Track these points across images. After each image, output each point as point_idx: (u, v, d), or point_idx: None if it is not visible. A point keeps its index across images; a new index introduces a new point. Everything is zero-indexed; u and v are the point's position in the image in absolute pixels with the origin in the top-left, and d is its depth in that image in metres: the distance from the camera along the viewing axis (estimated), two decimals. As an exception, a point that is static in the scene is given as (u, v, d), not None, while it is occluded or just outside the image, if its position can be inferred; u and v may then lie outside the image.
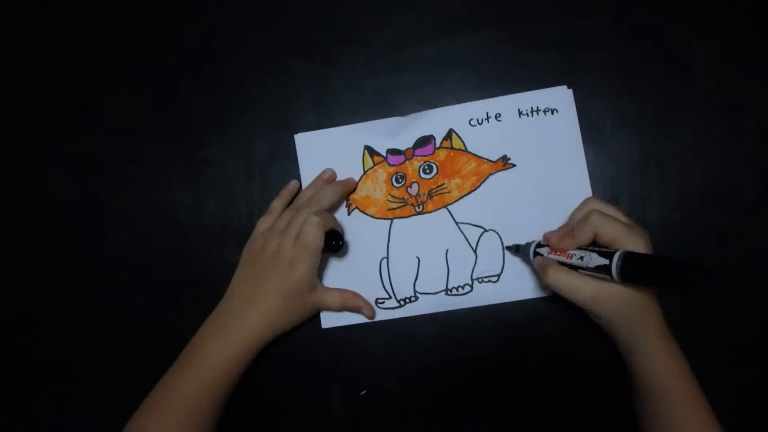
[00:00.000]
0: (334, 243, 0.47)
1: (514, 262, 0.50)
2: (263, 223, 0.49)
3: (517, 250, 0.49)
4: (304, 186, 0.52)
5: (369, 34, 0.53)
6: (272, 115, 0.53)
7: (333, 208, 0.51)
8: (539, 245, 0.46)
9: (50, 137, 0.55)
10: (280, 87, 0.53)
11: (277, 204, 0.51)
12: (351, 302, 0.49)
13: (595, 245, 0.42)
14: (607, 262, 0.39)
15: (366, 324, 0.51)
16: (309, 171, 0.52)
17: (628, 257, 0.39)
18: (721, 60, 0.50)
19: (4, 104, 0.56)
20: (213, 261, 0.52)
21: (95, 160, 0.55)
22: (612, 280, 0.40)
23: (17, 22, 0.57)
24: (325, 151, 0.52)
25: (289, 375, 0.51)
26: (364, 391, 0.50)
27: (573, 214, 0.46)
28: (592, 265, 0.40)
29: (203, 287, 0.51)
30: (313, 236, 0.46)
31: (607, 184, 0.50)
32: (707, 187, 0.49)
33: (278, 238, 0.47)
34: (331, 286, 0.51)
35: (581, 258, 0.41)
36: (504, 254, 0.50)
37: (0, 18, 0.57)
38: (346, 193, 0.51)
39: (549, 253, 0.44)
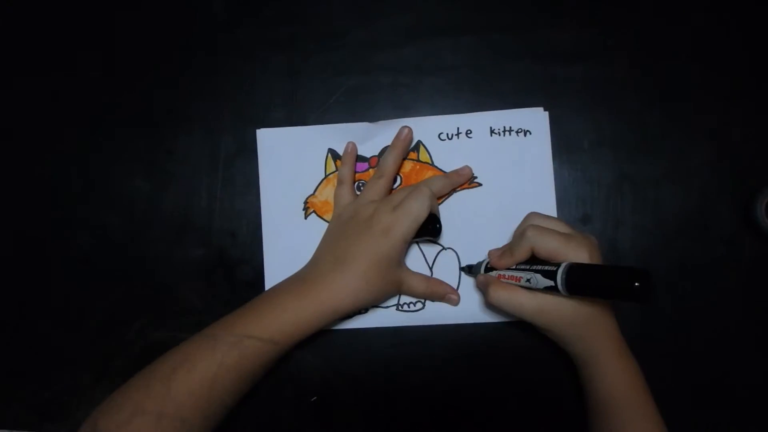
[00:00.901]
0: (431, 227, 0.45)
1: (470, 283, 0.48)
2: (342, 196, 0.47)
3: (470, 270, 0.47)
4: (261, 180, 0.50)
5: (346, 32, 0.51)
6: (240, 110, 0.51)
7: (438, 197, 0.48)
8: (489, 265, 0.45)
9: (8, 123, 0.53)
10: (251, 82, 0.51)
11: (345, 171, 0.48)
12: (437, 288, 0.47)
13: (538, 261, 0.41)
14: (552, 283, 0.38)
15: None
16: (269, 169, 0.50)
17: (572, 269, 0.38)
18: (701, 84, 0.49)
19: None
20: (171, 254, 0.50)
21: (56, 147, 0.52)
22: (563, 296, 0.39)
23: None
24: (287, 150, 0.50)
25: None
26: (314, 398, 0.49)
27: (514, 231, 0.45)
28: (540, 287, 0.39)
29: (159, 280, 0.50)
30: (419, 205, 0.43)
31: (580, 203, 0.48)
32: (682, 212, 0.48)
33: (374, 205, 0.45)
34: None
35: (528, 280, 0.40)
36: (460, 274, 0.49)
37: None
38: (456, 185, 0.48)
39: (498, 275, 0.43)
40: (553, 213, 0.48)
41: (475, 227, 0.49)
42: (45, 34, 0.53)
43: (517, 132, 0.49)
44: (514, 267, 0.43)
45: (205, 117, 0.51)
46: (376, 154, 0.50)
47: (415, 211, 0.43)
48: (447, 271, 0.49)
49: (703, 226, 0.48)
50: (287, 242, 0.50)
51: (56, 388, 0.50)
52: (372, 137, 0.50)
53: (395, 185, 0.49)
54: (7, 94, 0.53)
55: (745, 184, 0.48)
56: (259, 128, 0.50)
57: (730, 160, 0.48)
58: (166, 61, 0.52)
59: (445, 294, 0.47)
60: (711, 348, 0.47)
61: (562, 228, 0.42)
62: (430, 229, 0.45)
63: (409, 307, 0.49)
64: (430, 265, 0.49)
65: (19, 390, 0.50)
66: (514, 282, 0.42)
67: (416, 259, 0.49)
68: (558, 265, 0.39)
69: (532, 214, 0.45)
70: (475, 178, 0.49)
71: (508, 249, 0.43)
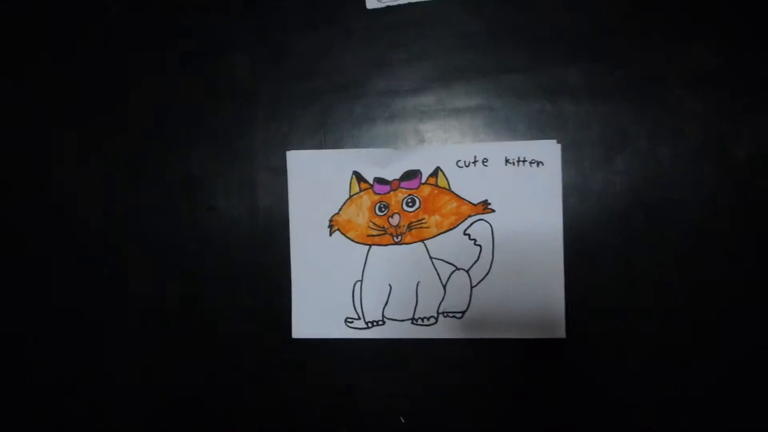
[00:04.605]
0: None
1: (479, 302, 0.52)
2: None
3: None
4: (290, 199, 0.54)
5: (366, 83, 0.54)
6: (270, 164, 0.55)
7: None
8: None
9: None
10: (281, 137, 0.55)
11: None
12: None
13: None
14: None
15: (335, 340, 0.54)
16: (298, 188, 0.54)
17: None
18: (712, 115, 0.51)
19: None
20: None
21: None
22: None
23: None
24: (315, 171, 0.54)
25: (253, 382, 0.55)
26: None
27: None
28: None
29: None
30: None
31: (596, 230, 0.52)
32: (694, 239, 0.51)
33: None
34: (306, 301, 0.54)
35: None
36: (471, 293, 0.53)
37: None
38: None
39: None
40: (560, 242, 0.51)
41: (487, 251, 0.52)
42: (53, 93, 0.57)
43: (530, 162, 0.52)
44: None
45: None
46: (398, 178, 0.54)
47: None
48: (459, 291, 0.53)
49: (715, 252, 0.51)
50: (313, 257, 0.54)
51: None
52: (394, 162, 0.53)
53: (414, 207, 0.53)
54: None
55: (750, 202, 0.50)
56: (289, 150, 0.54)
57: (737, 182, 0.51)
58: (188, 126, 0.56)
59: None
60: (727, 363, 0.51)
61: None
62: None
63: (423, 321, 0.53)
64: (444, 284, 0.53)
65: None
66: None
67: (431, 276, 0.53)
68: None
69: None
70: (489, 204, 0.53)
71: None
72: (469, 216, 0.53)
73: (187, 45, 0.55)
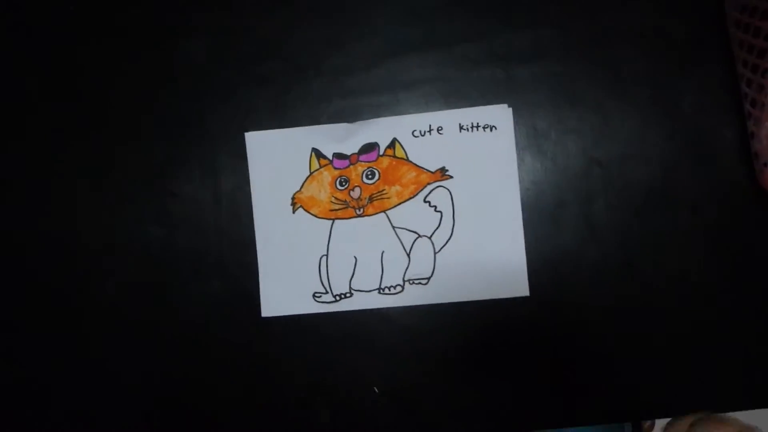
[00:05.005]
0: None
1: (444, 268, 0.53)
2: None
3: None
4: (251, 180, 0.55)
5: (319, 62, 0.55)
6: (228, 145, 0.55)
7: None
8: None
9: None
10: (238, 119, 0.55)
11: None
12: None
13: None
14: None
15: (305, 315, 0.54)
16: (258, 168, 0.55)
17: None
18: (653, 69, 0.53)
19: None
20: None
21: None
22: None
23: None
24: (274, 151, 0.55)
25: (226, 364, 0.55)
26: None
27: None
28: None
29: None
30: None
31: (554, 189, 0.53)
32: (647, 187, 0.52)
33: None
34: (273, 279, 0.54)
35: None
36: (435, 259, 0.54)
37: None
38: None
39: None
40: (518, 200, 0.53)
41: (448, 216, 0.53)
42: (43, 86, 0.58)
43: (484, 128, 0.53)
44: None
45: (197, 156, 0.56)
46: (356, 152, 0.54)
47: None
48: (423, 256, 0.54)
49: (668, 196, 0.52)
50: (278, 235, 0.55)
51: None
52: (352, 136, 0.54)
53: (374, 180, 0.54)
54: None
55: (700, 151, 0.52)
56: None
57: (685, 132, 0.52)
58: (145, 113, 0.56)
59: None
60: (689, 310, 0.52)
61: None
62: None
63: (389, 290, 0.54)
64: (408, 252, 0.54)
65: None
66: None
67: (395, 246, 0.54)
68: None
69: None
70: (447, 171, 0.54)
71: None
72: (428, 184, 0.54)
73: (142, 30, 0.56)
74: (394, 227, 0.54)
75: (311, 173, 0.55)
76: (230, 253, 0.55)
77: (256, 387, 0.55)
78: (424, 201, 0.54)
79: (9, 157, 0.57)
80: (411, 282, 0.54)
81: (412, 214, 0.54)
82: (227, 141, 0.55)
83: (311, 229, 0.55)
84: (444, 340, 0.54)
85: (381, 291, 0.54)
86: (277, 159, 0.55)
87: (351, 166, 0.54)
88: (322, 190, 0.55)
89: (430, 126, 0.54)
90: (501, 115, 0.53)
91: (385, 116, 0.54)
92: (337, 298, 0.54)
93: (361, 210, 0.54)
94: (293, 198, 0.55)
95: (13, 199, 0.57)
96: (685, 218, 0.52)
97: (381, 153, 0.54)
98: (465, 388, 0.54)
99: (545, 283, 0.53)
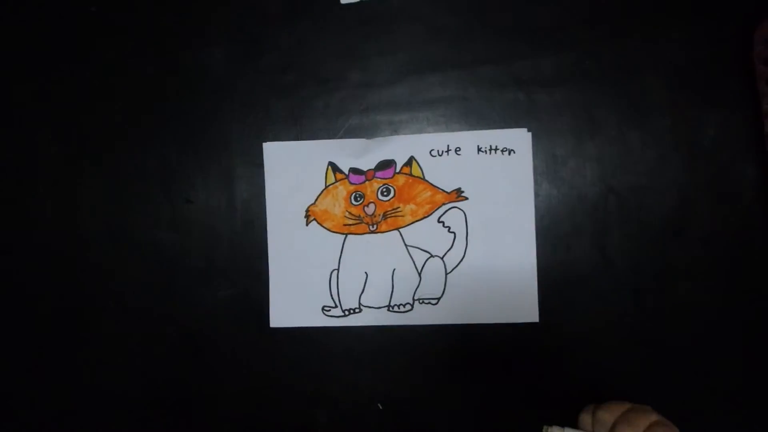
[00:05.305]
0: None
1: (454, 289, 0.53)
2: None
3: None
4: (267, 190, 0.55)
5: (341, 76, 0.55)
6: (247, 155, 0.55)
7: None
8: None
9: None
10: (256, 130, 0.55)
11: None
12: None
13: None
14: None
15: (313, 328, 0.55)
16: (274, 179, 0.55)
17: None
18: (676, 101, 0.52)
19: None
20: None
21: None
22: None
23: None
24: (291, 162, 0.55)
25: (232, 373, 0.55)
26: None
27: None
28: None
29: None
30: None
31: (569, 216, 0.53)
32: (662, 219, 0.52)
33: None
34: (283, 290, 0.54)
35: None
36: (446, 280, 0.53)
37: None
38: None
39: None
40: (532, 225, 0.52)
41: (461, 238, 0.53)
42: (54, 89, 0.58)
43: (502, 150, 0.53)
44: None
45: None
46: (372, 168, 0.54)
47: None
48: (434, 276, 0.53)
49: (683, 228, 0.52)
50: (290, 247, 0.55)
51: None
52: (369, 152, 0.54)
53: (389, 197, 0.54)
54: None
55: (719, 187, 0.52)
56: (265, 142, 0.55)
57: (704, 167, 0.52)
58: (162, 124, 0.56)
59: None
60: (698, 342, 0.52)
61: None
62: None
63: (399, 308, 0.54)
64: (419, 271, 0.54)
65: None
66: None
67: (406, 264, 0.54)
68: None
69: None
70: (463, 192, 0.54)
71: None
72: (443, 204, 0.54)
73: (164, 39, 0.56)
74: (406, 245, 0.54)
75: (326, 187, 0.55)
76: (242, 261, 0.55)
77: (260, 398, 0.55)
78: (438, 221, 0.54)
79: (26, 157, 0.57)
80: (421, 301, 0.54)
81: (426, 233, 0.54)
82: (245, 150, 0.55)
83: (324, 242, 0.55)
84: (451, 362, 0.54)
85: (390, 308, 0.54)
86: (294, 171, 0.55)
87: (367, 182, 0.54)
88: (337, 204, 0.55)
89: (448, 146, 0.54)
90: (520, 139, 0.53)
91: (403, 134, 0.54)
92: (346, 313, 0.54)
93: (375, 226, 0.54)
94: (307, 210, 0.55)
95: (26, 199, 0.57)
96: (699, 252, 0.52)
97: (397, 170, 0.54)
98: (469, 411, 0.54)
99: (555, 310, 0.52)
